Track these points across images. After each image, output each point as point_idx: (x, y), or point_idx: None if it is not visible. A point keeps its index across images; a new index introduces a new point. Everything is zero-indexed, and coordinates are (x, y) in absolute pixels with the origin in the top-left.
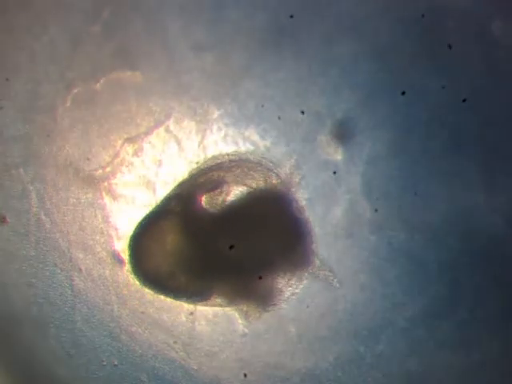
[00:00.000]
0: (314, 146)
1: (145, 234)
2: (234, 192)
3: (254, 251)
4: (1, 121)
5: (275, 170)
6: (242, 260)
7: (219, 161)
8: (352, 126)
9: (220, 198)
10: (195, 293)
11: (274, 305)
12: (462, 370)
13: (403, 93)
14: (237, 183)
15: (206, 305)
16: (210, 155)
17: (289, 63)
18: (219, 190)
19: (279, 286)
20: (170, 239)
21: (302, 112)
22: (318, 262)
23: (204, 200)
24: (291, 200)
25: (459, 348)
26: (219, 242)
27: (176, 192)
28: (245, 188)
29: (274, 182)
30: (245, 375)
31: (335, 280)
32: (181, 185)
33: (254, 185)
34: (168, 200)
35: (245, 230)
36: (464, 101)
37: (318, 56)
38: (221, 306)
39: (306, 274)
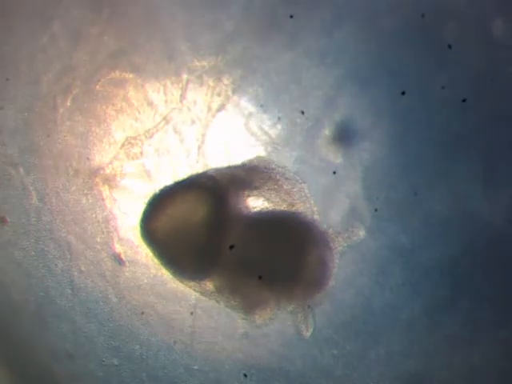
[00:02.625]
0: (314, 146)
1: (166, 197)
2: (262, 200)
3: (261, 259)
4: (1, 121)
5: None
6: (242, 261)
7: (261, 165)
8: (352, 128)
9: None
10: (194, 273)
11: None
12: (461, 369)
13: (403, 93)
14: (267, 195)
15: (202, 293)
16: (255, 156)
17: (289, 64)
18: (247, 193)
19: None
20: (189, 210)
21: (302, 112)
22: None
23: (232, 196)
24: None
25: (459, 348)
26: (230, 237)
27: (210, 173)
28: (273, 202)
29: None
30: (245, 375)
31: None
32: (218, 170)
33: (284, 206)
34: (200, 176)
35: (260, 240)
36: (464, 101)
37: (318, 56)
38: (215, 298)
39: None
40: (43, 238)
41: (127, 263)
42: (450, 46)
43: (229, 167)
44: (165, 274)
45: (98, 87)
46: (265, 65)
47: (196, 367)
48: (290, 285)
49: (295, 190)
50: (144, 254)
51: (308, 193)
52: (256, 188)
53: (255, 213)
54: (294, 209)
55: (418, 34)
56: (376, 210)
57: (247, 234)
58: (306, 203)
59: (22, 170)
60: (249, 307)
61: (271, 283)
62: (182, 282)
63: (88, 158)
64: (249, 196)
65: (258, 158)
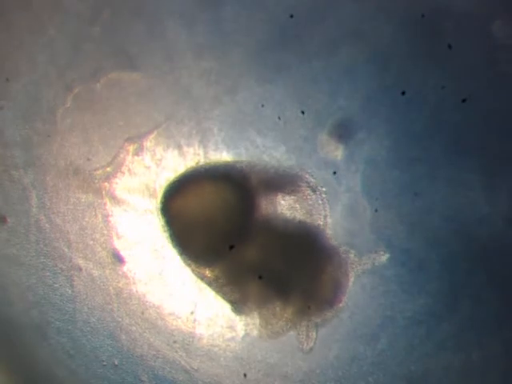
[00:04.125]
0: (314, 146)
1: (195, 178)
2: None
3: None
4: (1, 121)
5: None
6: (254, 261)
7: (293, 171)
8: (352, 126)
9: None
10: (202, 260)
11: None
12: (462, 369)
13: (403, 93)
14: (289, 201)
15: (203, 279)
16: (293, 161)
17: (289, 63)
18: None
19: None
20: (214, 196)
21: (302, 112)
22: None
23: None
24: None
25: (459, 348)
26: (247, 234)
27: (242, 166)
28: (293, 209)
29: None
30: (245, 375)
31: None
32: (250, 165)
33: (302, 213)
34: (232, 166)
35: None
36: (464, 101)
37: (318, 55)
38: (215, 288)
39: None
40: (43, 238)
41: (127, 261)
42: (449, 46)
43: (263, 166)
44: (165, 272)
45: (98, 87)
46: (265, 64)
47: (196, 367)
48: (299, 298)
49: (315, 199)
50: (144, 251)
51: (327, 204)
52: (284, 193)
53: (275, 217)
54: (311, 218)
55: (418, 34)
56: (376, 211)
57: (264, 236)
58: (325, 216)
59: (22, 170)
60: (247, 305)
61: (279, 291)
62: (187, 264)
63: (88, 157)
64: (273, 199)
65: (288, 164)
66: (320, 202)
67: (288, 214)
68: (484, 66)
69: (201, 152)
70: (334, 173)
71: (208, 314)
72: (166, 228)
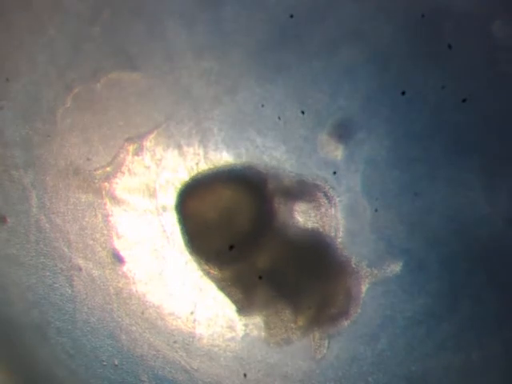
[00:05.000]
0: (314, 146)
1: (214, 178)
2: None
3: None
4: (1, 121)
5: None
6: (265, 267)
7: (310, 180)
8: (352, 126)
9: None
10: (213, 261)
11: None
12: (462, 369)
13: (403, 93)
14: (304, 209)
15: (210, 277)
16: (313, 168)
17: (289, 63)
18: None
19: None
20: (231, 197)
21: (302, 112)
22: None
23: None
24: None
25: (459, 348)
26: (260, 239)
27: (261, 170)
28: (307, 216)
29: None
30: (245, 375)
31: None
32: (268, 169)
33: (314, 221)
34: (251, 168)
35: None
36: (464, 101)
37: (318, 55)
38: (222, 287)
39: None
40: (43, 238)
41: (127, 261)
42: (449, 46)
43: (281, 172)
44: (165, 272)
45: (98, 87)
46: (264, 64)
47: (196, 367)
48: (311, 307)
49: (330, 208)
50: (144, 251)
51: (340, 214)
52: (299, 200)
53: (289, 224)
54: (323, 227)
55: (418, 34)
56: (376, 210)
57: (277, 242)
58: (338, 226)
59: (22, 170)
60: (251, 308)
61: (289, 299)
62: (197, 262)
63: (88, 157)
64: (289, 206)
65: (304, 174)
66: (334, 211)
67: (302, 222)
68: (484, 66)
69: (201, 152)
70: (334, 173)
71: (208, 314)
72: (179, 225)
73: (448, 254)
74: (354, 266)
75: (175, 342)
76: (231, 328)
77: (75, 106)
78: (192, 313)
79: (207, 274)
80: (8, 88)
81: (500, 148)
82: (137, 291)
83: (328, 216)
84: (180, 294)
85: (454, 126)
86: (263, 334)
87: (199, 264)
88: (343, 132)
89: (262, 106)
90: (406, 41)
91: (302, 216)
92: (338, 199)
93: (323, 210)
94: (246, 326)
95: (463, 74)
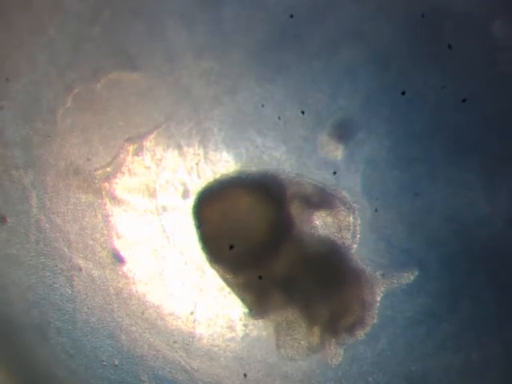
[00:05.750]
0: (314, 146)
1: (231, 184)
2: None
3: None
4: (1, 121)
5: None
6: (279, 275)
7: (328, 188)
8: (352, 126)
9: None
10: (228, 266)
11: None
12: (462, 369)
13: (403, 93)
14: (322, 217)
15: (224, 280)
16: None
17: (289, 63)
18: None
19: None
20: (249, 203)
21: (302, 112)
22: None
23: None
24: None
25: (459, 348)
26: (277, 246)
27: (278, 175)
28: (324, 224)
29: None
30: (245, 375)
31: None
32: (287, 174)
33: (332, 230)
34: (268, 174)
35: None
36: (464, 101)
37: (318, 55)
38: (236, 292)
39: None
40: (43, 238)
41: (127, 261)
42: (449, 46)
43: (300, 177)
44: (165, 272)
45: (98, 87)
46: (264, 64)
47: (196, 367)
48: (325, 317)
49: (348, 217)
50: (144, 251)
51: (358, 223)
52: (318, 209)
53: (307, 233)
54: (340, 236)
55: (418, 34)
56: (376, 210)
57: (293, 251)
58: (355, 235)
59: (22, 170)
60: (261, 310)
61: (303, 308)
62: (212, 267)
63: (88, 157)
64: (307, 214)
65: (323, 181)
66: (352, 220)
67: (319, 230)
68: (484, 66)
69: (201, 152)
70: (334, 173)
71: (208, 314)
72: (196, 230)
73: (448, 253)
74: (368, 275)
75: (175, 342)
76: (231, 328)
77: (75, 106)
78: (192, 313)
79: (222, 277)
80: (8, 88)
81: (500, 148)
82: (137, 291)
83: (346, 225)
84: (180, 294)
85: (454, 126)
86: (276, 344)
87: (214, 268)
88: (343, 132)
89: (262, 106)
90: (406, 41)
91: (320, 224)
92: (356, 208)
93: (341, 218)
94: (245, 326)
95: (463, 74)
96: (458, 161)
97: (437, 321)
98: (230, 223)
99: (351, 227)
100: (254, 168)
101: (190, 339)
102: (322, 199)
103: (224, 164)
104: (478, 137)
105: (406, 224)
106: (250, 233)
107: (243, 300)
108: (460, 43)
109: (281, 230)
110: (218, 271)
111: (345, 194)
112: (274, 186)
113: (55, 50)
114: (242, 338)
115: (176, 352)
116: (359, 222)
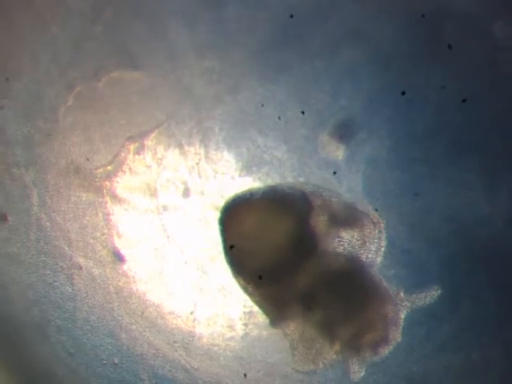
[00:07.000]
0: (315, 146)
1: (259, 197)
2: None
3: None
4: (2, 120)
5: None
6: (302, 290)
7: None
8: (353, 126)
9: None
10: (251, 278)
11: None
12: (462, 370)
13: (403, 93)
14: (348, 233)
15: (244, 289)
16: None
17: (290, 63)
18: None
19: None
20: (273, 221)
21: (303, 112)
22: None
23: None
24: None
25: (459, 348)
26: (300, 262)
27: (307, 191)
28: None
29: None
30: (245, 375)
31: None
32: (316, 190)
33: (357, 244)
34: (296, 191)
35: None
36: (464, 101)
37: (320, 55)
38: (256, 303)
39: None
40: (43, 236)
41: (127, 259)
42: (449, 46)
43: (328, 196)
44: (165, 271)
45: (100, 85)
46: (266, 64)
47: (196, 366)
48: (348, 333)
49: (374, 232)
50: (144, 250)
51: (384, 239)
52: (344, 225)
53: (331, 248)
54: (364, 250)
55: (418, 34)
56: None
57: (316, 266)
58: (379, 250)
59: (23, 168)
60: (280, 320)
61: (325, 323)
62: (234, 276)
63: (89, 156)
64: (333, 230)
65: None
66: (377, 235)
67: (343, 246)
68: (485, 66)
69: (202, 151)
70: (334, 173)
71: (208, 314)
72: (221, 239)
73: (448, 254)
74: (392, 293)
75: (175, 341)
76: (231, 327)
77: (77, 105)
78: (192, 312)
79: (243, 287)
80: (9, 87)
81: (501, 148)
82: (137, 290)
83: (371, 239)
84: (180, 293)
85: (455, 126)
86: (291, 358)
87: (236, 278)
88: (344, 132)
89: (262, 105)
90: (407, 41)
91: (345, 240)
92: (382, 224)
93: (367, 233)
94: (245, 325)
95: (464, 74)
96: (459, 161)
97: (437, 322)
98: (256, 236)
99: (376, 241)
100: (272, 180)
101: (190, 338)
102: (348, 215)
103: (225, 163)
104: (478, 137)
105: (406, 224)
106: (274, 247)
107: (263, 310)
108: (460, 43)
109: (305, 245)
110: (239, 282)
111: (370, 208)
112: (301, 201)
113: (57, 49)
114: (242, 338)
115: (176, 351)
116: (384, 235)
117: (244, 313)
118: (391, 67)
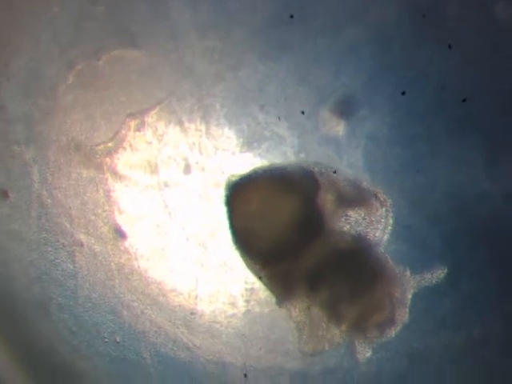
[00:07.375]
0: (316, 123)
1: (266, 177)
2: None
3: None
4: (3, 98)
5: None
6: (307, 271)
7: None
8: (354, 103)
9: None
10: (257, 258)
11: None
12: (462, 346)
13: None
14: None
15: (251, 270)
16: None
17: (292, 41)
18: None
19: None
20: (279, 200)
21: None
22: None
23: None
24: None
25: (460, 325)
26: (308, 243)
27: (316, 172)
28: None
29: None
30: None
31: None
32: (324, 171)
33: (363, 225)
34: (304, 170)
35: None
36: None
37: (323, 33)
38: (263, 282)
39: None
40: (45, 213)
41: (129, 236)
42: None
43: (335, 176)
44: (167, 248)
45: (100, 64)
46: (267, 42)
47: (198, 344)
48: (354, 313)
49: (380, 211)
50: (146, 226)
51: (390, 218)
52: (351, 205)
53: (338, 228)
54: (371, 230)
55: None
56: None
57: (323, 246)
58: (385, 229)
59: (23, 146)
60: (287, 300)
61: (330, 303)
62: (241, 255)
63: (89, 133)
64: (340, 210)
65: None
66: (384, 213)
67: (350, 225)
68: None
69: (203, 128)
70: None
71: (209, 290)
72: (227, 220)
73: (449, 230)
74: (399, 273)
75: (177, 318)
76: (233, 305)
77: (77, 83)
78: (194, 289)
79: (249, 266)
80: (10, 65)
81: (502, 126)
82: (139, 267)
83: (378, 218)
84: (182, 270)
85: (457, 103)
86: (298, 340)
87: (243, 257)
88: (345, 109)
89: (264, 83)
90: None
91: (352, 219)
92: (389, 204)
93: (374, 212)
94: (247, 302)
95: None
96: (461, 138)
97: (438, 298)
98: (262, 215)
99: (383, 220)
100: (272, 156)
101: (192, 316)
102: (355, 194)
103: (226, 140)
104: (480, 114)
105: (407, 200)
106: (281, 226)
107: (270, 289)
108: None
109: (312, 224)
110: (246, 261)
111: (379, 189)
112: (308, 180)
113: (58, 28)
114: (244, 315)
115: (178, 329)
116: (391, 215)
117: (246, 289)
118: (393, 46)
